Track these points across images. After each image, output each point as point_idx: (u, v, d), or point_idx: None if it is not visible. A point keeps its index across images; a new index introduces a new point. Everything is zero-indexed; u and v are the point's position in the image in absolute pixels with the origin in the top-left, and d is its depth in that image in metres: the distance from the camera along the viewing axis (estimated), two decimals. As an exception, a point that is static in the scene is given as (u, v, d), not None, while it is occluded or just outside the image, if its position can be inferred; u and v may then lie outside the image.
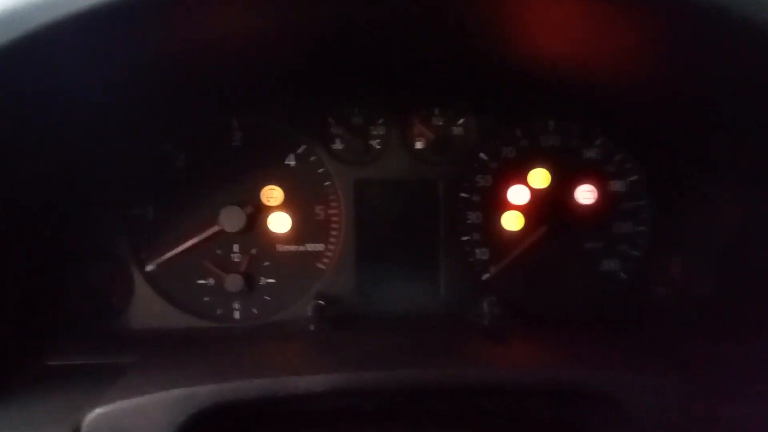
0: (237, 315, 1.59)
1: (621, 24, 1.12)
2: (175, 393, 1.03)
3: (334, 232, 1.60)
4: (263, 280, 1.59)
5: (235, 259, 1.58)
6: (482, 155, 1.62)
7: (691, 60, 1.18)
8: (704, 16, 0.99)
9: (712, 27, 1.03)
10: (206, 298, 1.58)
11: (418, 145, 1.62)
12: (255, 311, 1.59)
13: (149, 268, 1.56)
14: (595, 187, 1.62)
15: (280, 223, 1.59)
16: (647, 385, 1.08)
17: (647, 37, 1.15)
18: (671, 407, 1.06)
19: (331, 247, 1.60)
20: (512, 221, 1.62)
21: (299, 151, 1.59)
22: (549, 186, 1.62)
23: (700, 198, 1.62)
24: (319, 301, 1.46)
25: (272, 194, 1.58)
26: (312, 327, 1.45)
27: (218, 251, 1.57)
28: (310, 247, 1.59)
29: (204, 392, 1.03)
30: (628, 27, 1.12)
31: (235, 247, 1.58)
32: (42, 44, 0.96)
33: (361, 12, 1.19)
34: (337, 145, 1.60)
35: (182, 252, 1.55)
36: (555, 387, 1.10)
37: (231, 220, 1.53)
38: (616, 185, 1.63)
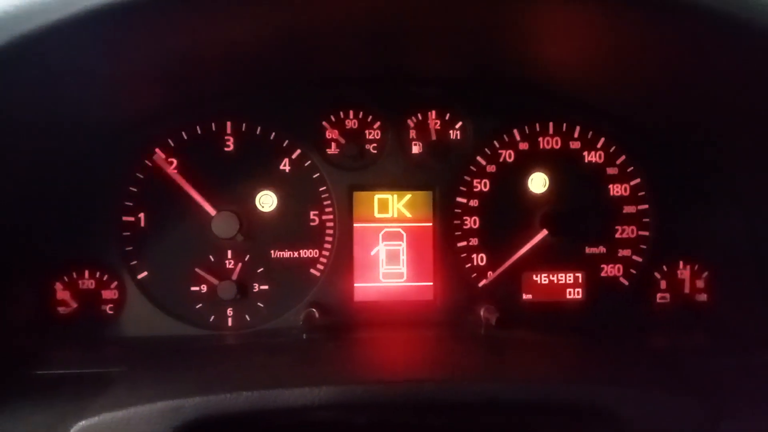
0: (230, 322, 1.56)
1: (623, 29, 1.09)
2: (160, 406, 1.01)
3: (328, 238, 1.57)
4: (257, 287, 1.56)
5: (229, 266, 1.56)
6: (480, 159, 1.59)
7: (694, 62, 1.15)
8: (704, 19, 0.96)
9: (712, 29, 1.00)
10: (199, 306, 1.56)
11: (415, 149, 1.59)
12: (248, 318, 1.56)
13: (141, 275, 1.54)
14: (596, 191, 1.59)
15: (273, 228, 1.56)
16: (647, 401, 1.05)
17: (649, 41, 1.12)
18: (671, 424, 1.03)
19: (325, 253, 1.57)
20: (510, 226, 1.59)
21: (293, 156, 1.57)
22: (548, 190, 1.59)
23: (704, 202, 1.58)
24: (311, 309, 1.44)
25: (266, 200, 1.56)
26: (304, 336, 1.43)
27: (211, 258, 1.55)
28: (304, 253, 1.57)
29: (189, 405, 1.01)
30: (630, 31, 1.09)
31: (229, 254, 1.56)
32: (34, 48, 0.95)
33: (362, 15, 1.16)
34: (332, 150, 1.58)
35: (175, 259, 1.53)
36: (553, 402, 1.07)
37: (224, 226, 1.51)
38: (618, 189, 1.60)
